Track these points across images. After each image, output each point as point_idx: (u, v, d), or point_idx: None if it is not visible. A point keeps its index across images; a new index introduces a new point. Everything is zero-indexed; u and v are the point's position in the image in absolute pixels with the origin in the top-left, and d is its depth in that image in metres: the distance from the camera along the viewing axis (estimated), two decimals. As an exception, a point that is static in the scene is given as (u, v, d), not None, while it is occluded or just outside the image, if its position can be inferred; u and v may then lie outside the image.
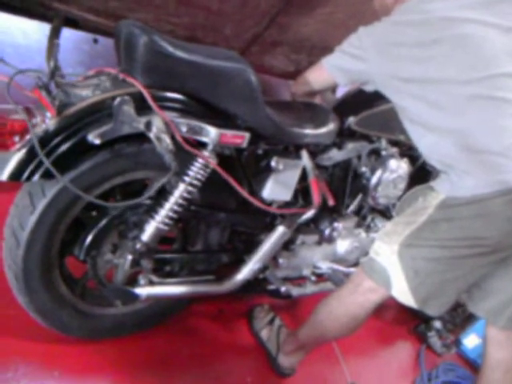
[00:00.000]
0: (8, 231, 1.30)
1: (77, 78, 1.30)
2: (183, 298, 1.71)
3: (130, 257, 1.41)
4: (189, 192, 1.39)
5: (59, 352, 1.53)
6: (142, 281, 1.47)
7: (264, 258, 1.68)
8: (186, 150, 1.28)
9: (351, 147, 1.79)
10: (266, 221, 1.73)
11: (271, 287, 1.87)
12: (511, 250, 1.28)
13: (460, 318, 2.46)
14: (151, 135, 1.17)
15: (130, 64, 1.23)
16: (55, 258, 1.37)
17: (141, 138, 1.22)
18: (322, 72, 1.65)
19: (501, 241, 1.24)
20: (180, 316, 1.83)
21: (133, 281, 1.48)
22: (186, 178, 1.37)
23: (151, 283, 1.49)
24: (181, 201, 1.38)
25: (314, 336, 1.68)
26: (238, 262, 1.71)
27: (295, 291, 1.89)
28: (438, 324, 2.38)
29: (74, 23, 1.73)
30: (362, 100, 1.72)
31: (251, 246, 1.71)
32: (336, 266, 1.96)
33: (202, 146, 1.36)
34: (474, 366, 2.29)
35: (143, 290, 1.45)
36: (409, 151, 1.92)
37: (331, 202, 1.73)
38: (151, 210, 1.41)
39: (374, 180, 1.82)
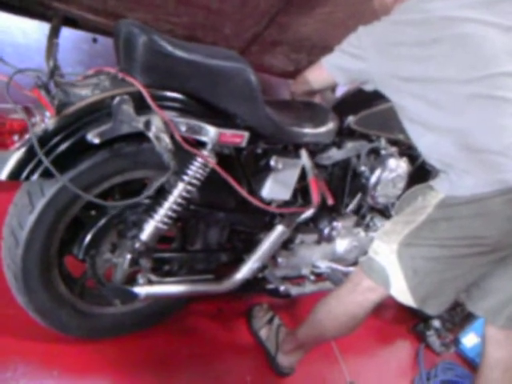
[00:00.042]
0: (7, 230, 1.30)
1: (76, 78, 1.30)
2: (182, 297, 1.71)
3: (128, 256, 1.41)
4: (188, 191, 1.39)
5: (58, 351, 1.53)
6: (140, 280, 1.47)
7: (263, 257, 1.68)
8: (186, 150, 1.28)
9: (350, 146, 1.79)
10: (265, 220, 1.73)
11: (270, 286, 1.87)
12: (510, 249, 1.28)
13: (459, 317, 2.46)
14: (150, 134, 1.17)
15: (129, 63, 1.23)
16: (54, 257, 1.37)
17: (140, 137, 1.22)
18: (322, 71, 1.65)
19: (500, 240, 1.24)
20: (179, 315, 1.83)
21: (132, 280, 1.48)
22: (185, 178, 1.37)
23: (150, 282, 1.49)
24: (180, 200, 1.38)
25: (313, 335, 1.68)
26: (237, 261, 1.71)
27: (294, 290, 1.89)
28: (436, 323, 2.39)
29: (73, 22, 1.73)
30: (362, 99, 1.72)
31: (250, 245, 1.72)
32: (335, 266, 1.97)
33: (201, 145, 1.36)
34: (472, 364, 2.29)
35: (142, 289, 1.45)
36: (408, 150, 1.93)
37: (330, 202, 1.73)
38: (150, 210, 1.41)
39: (373, 179, 1.82)
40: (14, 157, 1.11)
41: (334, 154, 1.77)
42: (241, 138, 1.40)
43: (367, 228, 2.10)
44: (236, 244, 1.76)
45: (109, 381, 1.54)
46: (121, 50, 1.26)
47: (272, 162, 1.56)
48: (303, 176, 1.68)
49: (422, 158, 1.53)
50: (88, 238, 1.40)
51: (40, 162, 1.12)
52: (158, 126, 1.19)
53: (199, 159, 1.36)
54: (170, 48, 1.19)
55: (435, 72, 1.32)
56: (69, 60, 2.00)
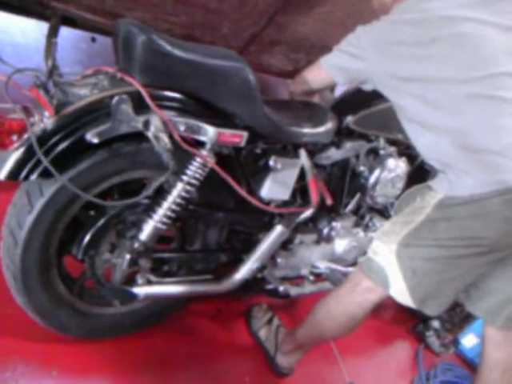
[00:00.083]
0: (6, 230, 1.30)
1: (75, 77, 1.30)
2: (181, 297, 1.71)
3: (128, 256, 1.41)
4: (187, 191, 1.39)
5: (57, 351, 1.53)
6: (140, 280, 1.47)
7: (262, 258, 1.68)
8: (184, 149, 1.28)
9: (349, 146, 1.79)
10: (264, 220, 1.73)
11: (269, 287, 1.87)
12: (509, 249, 1.28)
13: (458, 317, 2.46)
14: (149, 134, 1.17)
15: (127, 63, 1.23)
16: (53, 257, 1.37)
17: (139, 137, 1.22)
18: (321, 71, 1.65)
19: (498, 241, 1.24)
20: (178, 315, 1.83)
21: (131, 280, 1.48)
22: (184, 177, 1.37)
23: (149, 283, 1.49)
24: (179, 200, 1.38)
25: (312, 336, 1.68)
26: (236, 262, 1.71)
27: (293, 291, 1.89)
28: (436, 324, 2.39)
29: (71, 22, 1.73)
30: (361, 99, 1.72)
31: (249, 245, 1.72)
32: (334, 266, 1.96)
33: (200, 145, 1.36)
34: (472, 365, 2.29)
35: (141, 290, 1.45)
36: (407, 150, 1.92)
37: (329, 202, 1.73)
38: (149, 210, 1.40)
39: (372, 179, 1.82)
40: (13, 157, 1.11)
41: (333, 154, 1.76)
42: (240, 137, 1.40)
43: (366, 228, 2.10)
44: (235, 244, 1.76)
45: (108, 381, 1.54)
46: (119, 50, 1.26)
47: (271, 162, 1.56)
48: (302, 176, 1.68)
49: (421, 157, 1.52)
50: (87, 238, 1.40)
51: (39, 162, 1.12)
52: (157, 126, 1.19)
53: (198, 159, 1.36)
54: (168, 47, 1.19)
55: (434, 72, 1.32)
56: (67, 59, 2.00)
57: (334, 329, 1.58)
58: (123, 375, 1.56)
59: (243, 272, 1.66)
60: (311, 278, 1.97)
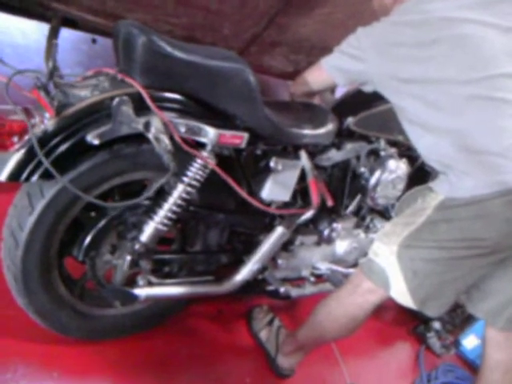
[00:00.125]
0: (7, 232, 1.30)
1: (75, 79, 1.30)
2: (182, 298, 1.71)
3: (128, 257, 1.41)
4: (187, 192, 1.39)
5: (58, 353, 1.53)
6: (140, 281, 1.47)
7: (263, 259, 1.67)
8: (185, 151, 1.28)
9: (350, 148, 1.79)
10: (265, 221, 1.73)
11: (270, 288, 1.87)
12: (510, 251, 1.28)
13: (459, 318, 2.46)
14: (150, 136, 1.17)
15: (128, 64, 1.23)
16: (54, 258, 1.37)
17: (139, 138, 1.22)
18: (321, 72, 1.65)
19: (499, 242, 1.24)
20: (179, 317, 1.83)
21: (132, 281, 1.48)
22: (185, 179, 1.37)
23: (150, 284, 1.49)
24: (179, 201, 1.38)
25: (313, 337, 1.68)
26: (237, 263, 1.70)
27: (294, 292, 1.89)
28: (437, 325, 2.38)
29: (72, 23, 1.73)
30: (361, 100, 1.72)
31: (250, 246, 1.71)
32: (335, 267, 1.96)
33: (200, 146, 1.36)
34: (473, 366, 2.29)
35: (142, 291, 1.44)
36: (408, 152, 1.92)
37: (330, 203, 1.73)
38: (150, 211, 1.40)
39: (372, 180, 1.82)
40: (14, 158, 1.11)
41: (334, 155, 1.76)
42: (240, 139, 1.40)
43: (367, 229, 2.10)
44: (236, 245, 1.76)
45: (109, 382, 1.53)
46: (120, 51, 1.26)
47: (272, 163, 1.56)
48: (303, 177, 1.68)
49: (422, 159, 1.52)
50: (88, 239, 1.40)
51: (40, 163, 1.12)
52: (158, 127, 1.19)
53: (199, 160, 1.36)
54: (169, 49, 1.19)
55: (434, 73, 1.32)
56: (68, 61, 2.00)
57: (335, 330, 1.58)
58: (124, 376, 1.56)
59: (244, 273, 1.66)
60: (312, 279, 1.97)
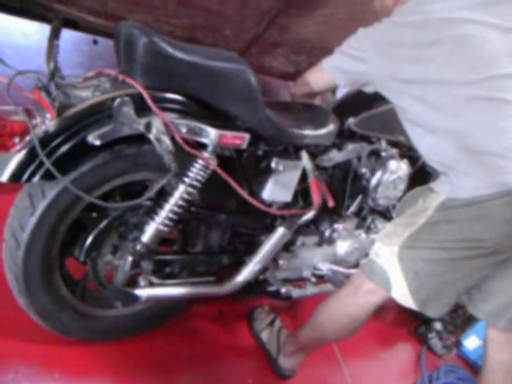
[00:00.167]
0: (8, 232, 1.30)
1: (76, 79, 1.30)
2: (183, 299, 1.71)
3: (130, 258, 1.41)
4: (189, 193, 1.39)
5: (59, 353, 1.53)
6: (142, 282, 1.47)
7: (264, 260, 1.67)
8: (186, 151, 1.28)
9: (351, 148, 1.79)
10: (266, 222, 1.73)
11: (271, 288, 1.87)
12: (511, 252, 1.28)
13: (460, 319, 2.45)
14: (151, 136, 1.17)
15: (129, 65, 1.23)
16: (55, 259, 1.37)
17: (141, 139, 1.22)
18: (322, 73, 1.65)
19: (500, 243, 1.24)
20: (180, 317, 1.83)
21: (133, 282, 1.48)
22: (186, 179, 1.37)
23: (151, 284, 1.49)
24: (181, 202, 1.38)
25: (315, 337, 1.67)
26: (238, 264, 1.70)
27: (295, 292, 1.89)
28: (438, 325, 2.38)
29: (73, 24, 1.73)
30: (362, 101, 1.72)
31: (251, 247, 1.71)
32: (336, 268, 1.96)
33: (201, 147, 1.36)
34: (474, 367, 2.28)
35: (143, 292, 1.44)
36: (409, 152, 1.92)
37: (331, 203, 1.73)
38: (151, 212, 1.40)
39: (373, 181, 1.82)
40: (15, 159, 1.11)
41: (335, 156, 1.76)
42: (241, 139, 1.40)
43: (368, 230, 2.10)
44: (237, 246, 1.76)
45: (110, 383, 1.53)
46: (121, 52, 1.26)
47: (273, 164, 1.56)
48: (304, 178, 1.68)
49: (423, 159, 1.52)
50: (89, 240, 1.40)
51: (41, 164, 1.12)
52: (159, 128, 1.19)
53: (200, 161, 1.36)
54: (170, 49, 1.19)
55: (435, 74, 1.32)
56: (69, 62, 2.01)
57: (336, 331, 1.58)
58: (125, 377, 1.56)
59: (245, 274, 1.66)
60: (313, 279, 1.97)
